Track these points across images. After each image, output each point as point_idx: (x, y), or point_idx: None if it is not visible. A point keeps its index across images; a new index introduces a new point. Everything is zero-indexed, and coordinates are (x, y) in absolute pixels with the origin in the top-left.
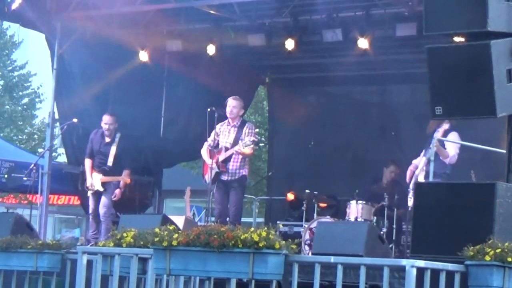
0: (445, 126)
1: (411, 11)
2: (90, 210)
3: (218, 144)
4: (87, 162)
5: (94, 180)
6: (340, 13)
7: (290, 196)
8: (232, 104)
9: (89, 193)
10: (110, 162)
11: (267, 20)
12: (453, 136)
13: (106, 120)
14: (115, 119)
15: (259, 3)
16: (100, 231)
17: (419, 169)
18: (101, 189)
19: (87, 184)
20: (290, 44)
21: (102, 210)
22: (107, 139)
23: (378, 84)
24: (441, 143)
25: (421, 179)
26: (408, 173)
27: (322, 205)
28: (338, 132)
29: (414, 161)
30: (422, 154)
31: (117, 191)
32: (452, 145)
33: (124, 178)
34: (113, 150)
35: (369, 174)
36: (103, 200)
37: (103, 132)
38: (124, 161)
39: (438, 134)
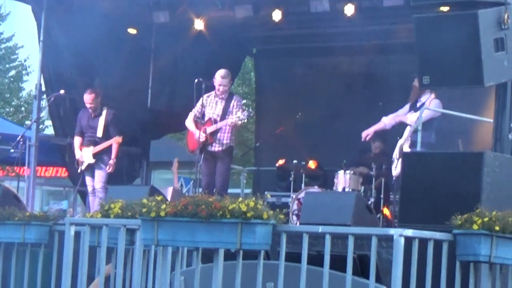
0: (427, 95)
1: None
2: (89, 189)
3: (204, 114)
4: (76, 140)
5: (85, 154)
6: None
7: (281, 161)
8: (222, 83)
9: (82, 169)
10: (99, 133)
11: None
12: (434, 104)
13: (86, 100)
14: (94, 95)
15: None
16: None
17: (403, 138)
18: (92, 161)
19: (77, 157)
20: (277, 15)
21: (98, 184)
22: (94, 114)
23: (365, 55)
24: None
25: (406, 148)
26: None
27: (311, 164)
28: (326, 103)
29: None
30: (395, 114)
31: (111, 162)
32: (426, 111)
33: (115, 138)
34: (101, 122)
35: (356, 144)
36: (99, 174)
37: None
38: (112, 132)
39: (419, 104)
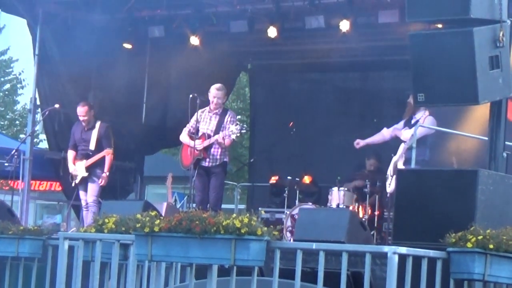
0: (422, 112)
1: None
2: (83, 203)
3: (198, 130)
4: (70, 154)
5: (78, 168)
6: None
7: (273, 179)
8: (216, 95)
9: (76, 182)
10: (92, 146)
11: (249, 7)
12: (428, 121)
13: (79, 112)
14: (88, 108)
15: None
16: None
17: (397, 155)
18: (85, 174)
19: (70, 171)
20: (272, 32)
21: (91, 198)
22: (87, 127)
23: (360, 71)
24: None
25: (400, 165)
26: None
27: (306, 179)
28: (320, 119)
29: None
30: (394, 127)
31: (103, 175)
32: (420, 129)
33: (106, 151)
34: (94, 135)
35: (351, 161)
36: (92, 188)
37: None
38: (105, 145)
39: (413, 121)
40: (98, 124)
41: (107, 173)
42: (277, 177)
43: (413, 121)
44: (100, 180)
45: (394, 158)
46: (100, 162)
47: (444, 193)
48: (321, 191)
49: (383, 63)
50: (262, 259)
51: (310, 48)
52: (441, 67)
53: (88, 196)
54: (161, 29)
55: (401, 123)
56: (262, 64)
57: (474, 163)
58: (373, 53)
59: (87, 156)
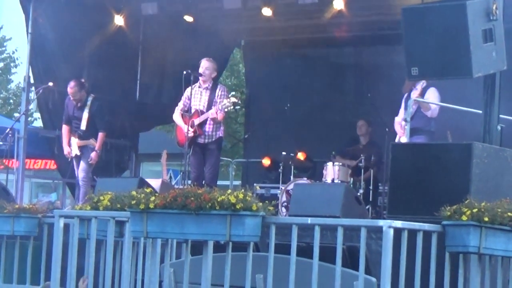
0: (423, 83)
1: None
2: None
3: (190, 107)
4: (64, 129)
5: (72, 144)
6: None
7: (266, 161)
8: (204, 66)
9: (73, 156)
10: (83, 126)
11: None
12: (432, 91)
13: (69, 91)
14: (77, 88)
15: None
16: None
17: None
18: (78, 153)
19: (65, 153)
20: (267, 11)
21: (80, 174)
22: (79, 104)
23: (353, 46)
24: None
25: (404, 140)
26: (397, 127)
27: (300, 157)
28: (314, 94)
29: (397, 118)
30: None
31: (93, 154)
32: (434, 100)
33: (91, 141)
34: (85, 114)
35: (345, 136)
36: (81, 164)
37: None
38: (97, 124)
39: (416, 92)
40: (89, 101)
41: (98, 151)
42: (269, 159)
43: (413, 92)
44: (90, 158)
45: (397, 118)
46: (92, 138)
47: (438, 166)
48: (316, 166)
49: (377, 37)
50: (257, 235)
51: (303, 23)
52: (434, 41)
53: (79, 171)
54: (154, 6)
55: (401, 109)
56: (255, 40)
57: (469, 137)
58: (367, 28)
59: (78, 136)
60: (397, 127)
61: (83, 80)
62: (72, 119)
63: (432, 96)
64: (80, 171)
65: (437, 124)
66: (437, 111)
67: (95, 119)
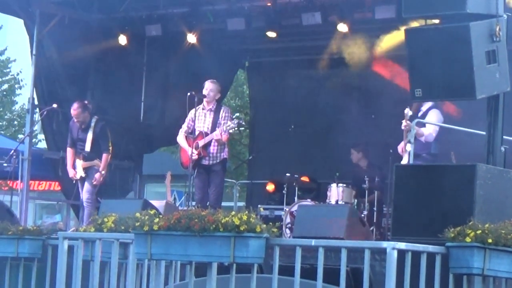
0: (427, 104)
1: None
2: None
3: (194, 129)
4: (68, 152)
5: (77, 167)
6: None
7: (270, 187)
8: (209, 87)
9: (77, 178)
10: (87, 147)
11: (246, 4)
12: (433, 113)
13: (72, 113)
14: (80, 110)
15: None
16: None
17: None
18: (83, 175)
19: (70, 175)
20: (271, 34)
21: (85, 195)
22: (83, 126)
23: (358, 67)
24: (421, 123)
25: (405, 160)
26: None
27: (303, 188)
28: (318, 115)
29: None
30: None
31: (97, 175)
32: (431, 124)
33: (96, 162)
34: (89, 135)
35: (349, 157)
36: (86, 186)
37: None
38: (101, 145)
39: (420, 113)
40: (93, 123)
41: (102, 172)
42: (273, 183)
43: (420, 114)
44: (94, 179)
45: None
46: (96, 160)
47: (442, 188)
48: (320, 188)
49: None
50: (261, 256)
51: (307, 44)
52: (438, 62)
53: (83, 193)
54: (158, 28)
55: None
56: (259, 61)
57: (473, 158)
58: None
59: (83, 157)
60: (399, 150)
61: (86, 102)
62: (77, 141)
63: (433, 118)
64: (85, 193)
65: (440, 145)
66: (433, 135)
67: (99, 141)
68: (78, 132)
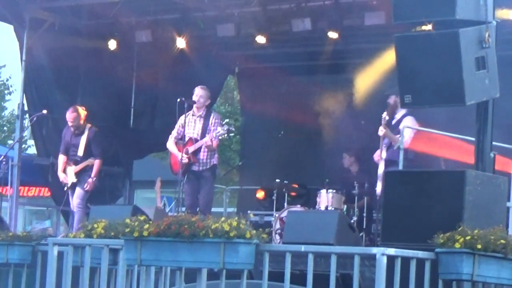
0: (401, 111)
1: (379, 0)
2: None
3: (184, 135)
4: (60, 158)
5: (68, 173)
6: (309, 2)
7: (260, 194)
8: (199, 93)
9: (68, 188)
10: (80, 152)
11: (236, 11)
12: (408, 120)
13: (67, 118)
14: (76, 115)
15: None
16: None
17: (377, 156)
18: (74, 180)
19: (60, 179)
20: (260, 39)
21: (76, 201)
22: (76, 131)
23: (347, 73)
24: (398, 130)
25: (381, 167)
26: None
27: (292, 194)
28: (308, 121)
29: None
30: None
31: (89, 180)
32: (406, 130)
33: (90, 160)
34: (83, 140)
35: (339, 163)
36: (77, 191)
37: None
38: (94, 151)
39: (394, 121)
40: (87, 129)
41: (94, 178)
42: (263, 192)
43: (394, 122)
44: (86, 185)
45: (376, 160)
46: (89, 168)
47: (432, 194)
48: (310, 194)
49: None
50: (251, 262)
51: (297, 51)
52: (427, 69)
53: (74, 198)
54: (148, 34)
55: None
56: (249, 67)
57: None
58: (360, 55)
59: (75, 162)
60: (375, 158)
61: (82, 107)
62: (70, 147)
63: (407, 125)
64: (76, 198)
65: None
66: (408, 142)
67: (91, 146)
68: (71, 137)
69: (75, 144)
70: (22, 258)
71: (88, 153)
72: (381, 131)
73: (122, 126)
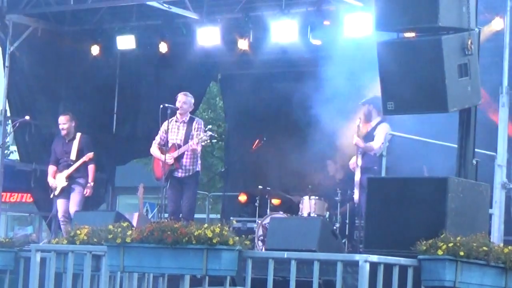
0: (377, 119)
1: (363, 7)
2: (60, 214)
3: (167, 141)
4: (50, 168)
5: (58, 179)
6: (292, 8)
7: (242, 198)
8: (182, 100)
9: (55, 194)
10: (73, 156)
11: (219, 17)
12: (384, 127)
13: (60, 121)
14: (69, 118)
15: None
16: None
17: (353, 164)
18: (64, 184)
19: (50, 184)
20: (243, 44)
21: (73, 209)
22: (67, 138)
23: (329, 80)
24: (372, 137)
25: (357, 175)
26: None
27: (275, 201)
28: (291, 128)
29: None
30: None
31: (88, 185)
32: (379, 137)
33: (87, 155)
34: (75, 145)
35: (322, 169)
36: (74, 198)
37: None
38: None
39: (369, 128)
40: (78, 135)
41: (92, 183)
42: (245, 194)
43: (369, 129)
44: (85, 190)
45: (351, 167)
46: (82, 173)
47: (414, 201)
48: (292, 200)
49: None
50: (234, 269)
51: (279, 57)
52: (410, 75)
53: (71, 206)
54: (131, 40)
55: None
56: (232, 73)
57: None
58: (343, 62)
59: (68, 166)
60: (351, 166)
61: (71, 114)
62: (62, 155)
63: (381, 131)
64: (72, 206)
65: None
66: (380, 150)
67: (84, 151)
68: (63, 145)
69: (67, 150)
70: (4, 264)
71: (80, 157)
72: (355, 139)
73: (104, 132)
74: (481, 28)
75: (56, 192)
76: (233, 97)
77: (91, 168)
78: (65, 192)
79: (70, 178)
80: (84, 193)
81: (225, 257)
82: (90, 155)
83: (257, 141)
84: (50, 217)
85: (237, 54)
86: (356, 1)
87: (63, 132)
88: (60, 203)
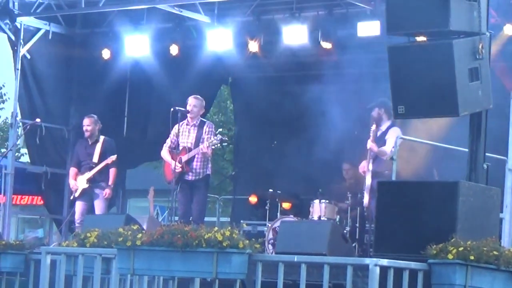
0: (387, 123)
1: (374, 10)
2: (77, 216)
3: (178, 144)
4: (72, 171)
5: (79, 181)
6: (302, 12)
7: (253, 199)
8: (192, 103)
9: (76, 196)
10: (95, 159)
11: (230, 20)
12: (393, 131)
13: (84, 122)
14: (93, 120)
15: (222, 2)
16: None
17: (363, 168)
18: (85, 186)
19: (71, 186)
20: (254, 47)
21: (99, 212)
22: (91, 141)
23: (340, 84)
24: (383, 141)
25: (368, 179)
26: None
27: (286, 205)
28: (301, 131)
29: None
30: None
31: (107, 189)
32: (390, 141)
33: (112, 158)
34: (98, 148)
35: (332, 173)
36: (98, 204)
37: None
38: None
39: (379, 133)
40: (102, 138)
41: (112, 186)
42: (255, 196)
43: (379, 133)
44: (104, 192)
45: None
46: (103, 176)
47: (425, 205)
48: (303, 204)
49: (363, 75)
50: (244, 272)
51: (290, 60)
52: (420, 79)
53: (98, 211)
54: (143, 43)
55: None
56: (243, 77)
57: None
58: (354, 65)
59: (90, 169)
60: (360, 170)
61: (96, 117)
62: (85, 158)
63: (392, 135)
64: (99, 211)
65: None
66: (392, 153)
67: (107, 153)
68: (86, 148)
69: (90, 153)
70: (15, 267)
71: (103, 160)
72: (369, 144)
73: (115, 135)
74: (492, 32)
75: (76, 194)
76: (244, 100)
77: (112, 171)
78: (85, 195)
79: (92, 180)
80: (104, 194)
81: (235, 260)
82: (113, 157)
83: None
84: (65, 222)
85: (248, 57)
86: (367, 5)
87: (87, 134)
88: (78, 205)
